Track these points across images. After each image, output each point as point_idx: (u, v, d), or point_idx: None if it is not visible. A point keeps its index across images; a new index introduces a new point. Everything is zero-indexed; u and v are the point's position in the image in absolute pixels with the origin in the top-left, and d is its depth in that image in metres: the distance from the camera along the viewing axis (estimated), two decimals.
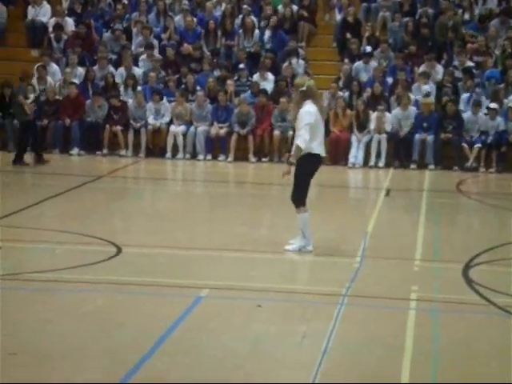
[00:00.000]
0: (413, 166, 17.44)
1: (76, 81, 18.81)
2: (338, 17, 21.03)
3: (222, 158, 17.93)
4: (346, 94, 18.52)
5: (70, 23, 20.54)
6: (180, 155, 18.01)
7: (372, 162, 17.56)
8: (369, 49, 19.64)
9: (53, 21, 20.51)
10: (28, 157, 16.40)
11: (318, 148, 9.66)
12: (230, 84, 18.62)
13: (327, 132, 17.80)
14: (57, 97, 18.67)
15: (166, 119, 18.21)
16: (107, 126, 18.05)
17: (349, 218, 12.51)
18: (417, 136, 17.56)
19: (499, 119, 17.57)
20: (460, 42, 19.32)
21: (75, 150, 17.90)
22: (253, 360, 6.39)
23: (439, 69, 18.95)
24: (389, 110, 18.04)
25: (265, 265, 9.44)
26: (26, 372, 5.97)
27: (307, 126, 9.49)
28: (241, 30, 20.12)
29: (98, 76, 19.15)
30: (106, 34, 20.41)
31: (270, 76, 18.98)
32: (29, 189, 14.68)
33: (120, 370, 6.04)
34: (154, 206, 13.97)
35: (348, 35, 20.01)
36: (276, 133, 17.84)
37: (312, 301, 7.99)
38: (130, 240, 10.20)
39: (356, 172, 17.27)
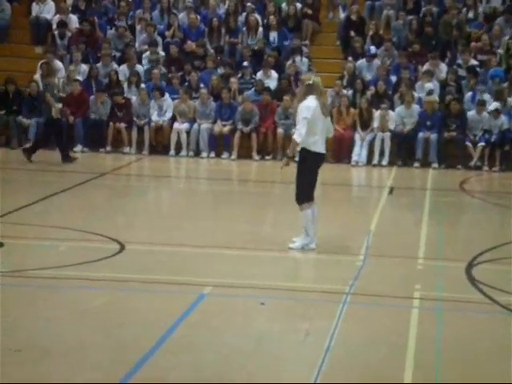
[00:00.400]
0: (416, 164, 17.43)
1: (80, 78, 18.81)
2: (342, 15, 21.01)
3: (225, 155, 17.92)
4: (350, 92, 18.51)
5: (73, 20, 20.55)
6: (183, 153, 18.01)
7: (375, 161, 17.55)
8: (373, 49, 19.61)
9: (57, 18, 20.52)
10: (39, 155, 16.34)
11: (316, 145, 9.56)
12: (234, 82, 18.61)
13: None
14: (60, 94, 18.67)
15: (169, 115, 18.22)
16: (111, 123, 18.06)
17: (352, 216, 12.51)
18: (420, 134, 17.54)
19: (503, 118, 17.55)
20: (464, 41, 19.30)
21: (79, 147, 17.90)
22: (256, 358, 6.39)
23: (443, 67, 18.93)
24: (392, 108, 18.03)
25: (268, 263, 9.43)
26: (26, 369, 5.97)
27: (305, 121, 9.43)
28: (244, 28, 20.12)
29: (101, 73, 19.16)
30: (110, 32, 20.42)
31: (274, 74, 18.96)
32: (32, 186, 14.67)
33: (122, 368, 6.04)
34: (157, 203, 13.98)
35: (352, 33, 19.99)
36: (279, 131, 17.83)
37: (315, 299, 7.99)
38: (133, 237, 10.20)
39: (359, 170, 17.26)
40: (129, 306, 7.60)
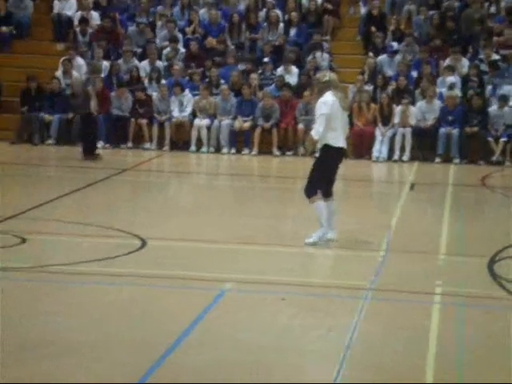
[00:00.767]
0: (437, 159, 17.36)
1: (102, 74, 18.87)
2: (363, 10, 20.95)
3: (245, 151, 17.94)
4: (371, 87, 18.46)
5: (95, 17, 20.64)
6: (204, 149, 18.04)
7: (396, 156, 17.50)
8: (395, 45, 19.54)
9: (78, 14, 20.61)
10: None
11: (337, 140, 9.53)
12: (254, 78, 18.61)
13: (351, 126, 17.89)
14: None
15: (189, 110, 18.25)
16: (132, 119, 18.12)
17: (373, 211, 12.48)
18: (442, 130, 17.47)
19: None
20: (486, 35, 19.18)
21: (100, 144, 17.97)
22: (277, 354, 6.39)
23: (465, 62, 18.83)
24: (413, 103, 17.96)
25: (289, 258, 9.43)
26: (49, 364, 6.00)
27: (322, 117, 9.41)
28: (265, 24, 20.11)
29: (122, 69, 19.22)
30: (131, 28, 20.48)
31: (294, 69, 18.95)
32: (54, 182, 14.76)
33: (143, 364, 6.05)
34: (178, 199, 14.02)
35: (373, 29, 19.93)
36: (300, 126, 17.82)
37: (336, 294, 7.98)
38: (154, 233, 10.23)
39: (380, 166, 17.22)
40: (150, 301, 7.62)
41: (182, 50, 19.75)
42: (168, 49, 19.65)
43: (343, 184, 13.47)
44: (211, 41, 19.80)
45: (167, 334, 6.67)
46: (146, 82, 18.98)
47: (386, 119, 17.75)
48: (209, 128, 18.13)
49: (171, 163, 17.60)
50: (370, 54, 19.46)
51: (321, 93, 9.56)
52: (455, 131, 17.41)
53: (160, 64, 19.37)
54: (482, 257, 9.35)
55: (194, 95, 18.46)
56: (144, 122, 18.16)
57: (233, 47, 19.81)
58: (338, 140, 9.60)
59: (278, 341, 6.65)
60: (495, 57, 18.80)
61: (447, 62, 18.80)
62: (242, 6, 20.80)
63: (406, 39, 19.51)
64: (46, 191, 13.09)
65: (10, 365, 5.91)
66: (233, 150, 18.01)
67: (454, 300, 7.91)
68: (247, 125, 18.05)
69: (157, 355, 6.20)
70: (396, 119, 17.70)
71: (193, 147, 18.05)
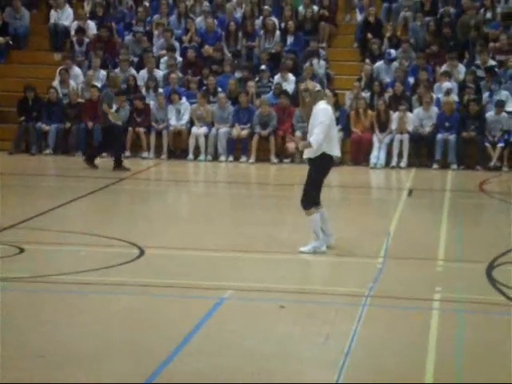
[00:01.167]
0: (435, 165, 17.38)
1: (98, 84, 18.90)
2: (359, 17, 21.00)
3: (243, 159, 17.95)
4: (368, 94, 18.49)
5: (91, 26, 20.66)
6: (202, 157, 18.06)
7: (394, 162, 17.52)
8: (393, 53, 19.56)
9: (75, 24, 20.64)
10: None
11: (332, 149, 9.63)
12: (251, 85, 18.64)
13: (349, 132, 17.93)
14: (79, 100, 18.80)
15: (186, 118, 18.27)
16: (130, 128, 18.14)
17: (371, 218, 12.49)
18: (439, 136, 17.49)
19: None
20: (482, 41, 19.23)
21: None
22: (277, 361, 6.39)
23: (461, 68, 18.87)
24: (410, 109, 17.99)
25: (288, 266, 9.43)
26: (51, 373, 6.01)
27: (323, 125, 9.43)
28: (262, 31, 20.14)
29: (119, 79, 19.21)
30: (128, 37, 20.51)
31: (291, 77, 18.97)
32: (52, 191, 14.75)
33: (143, 372, 6.06)
34: (176, 207, 14.02)
35: (369, 35, 19.97)
36: (297, 134, 17.82)
37: (335, 302, 7.99)
38: (152, 242, 10.23)
39: (378, 172, 17.23)
40: (149, 310, 7.63)
41: (179, 58, 19.78)
42: (165, 57, 19.66)
43: (341, 191, 13.49)
44: (208, 49, 19.83)
45: (167, 342, 6.67)
46: (143, 90, 18.99)
47: (384, 126, 17.78)
48: (206, 136, 18.14)
49: (169, 172, 17.61)
50: (367, 60, 19.50)
51: (315, 101, 9.61)
52: (452, 137, 17.43)
53: (157, 73, 19.38)
54: (480, 262, 9.36)
55: (192, 103, 18.48)
56: (142, 130, 18.18)
57: (230, 55, 19.83)
58: (335, 148, 9.68)
59: (278, 348, 6.65)
60: (491, 62, 18.85)
61: (444, 68, 18.84)
62: (238, 14, 20.84)
63: (403, 46, 19.55)
64: (44, 201, 13.09)
65: (11, 374, 5.90)
66: (230, 158, 18.02)
67: (453, 306, 7.91)
68: (245, 133, 18.07)
69: (157, 363, 6.21)
70: (393, 125, 17.72)
71: (190, 155, 18.06)
